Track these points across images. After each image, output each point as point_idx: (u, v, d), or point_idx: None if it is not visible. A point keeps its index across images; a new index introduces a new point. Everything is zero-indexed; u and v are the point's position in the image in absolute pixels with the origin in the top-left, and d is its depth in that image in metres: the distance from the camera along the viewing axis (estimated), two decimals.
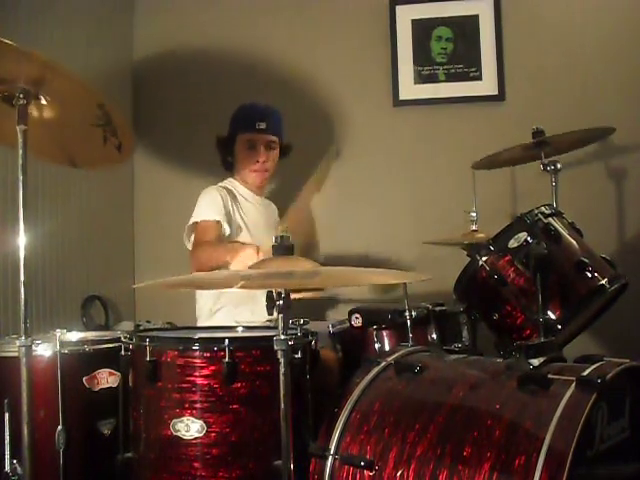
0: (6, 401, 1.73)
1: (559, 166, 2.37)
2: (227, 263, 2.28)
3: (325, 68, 3.24)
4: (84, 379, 1.80)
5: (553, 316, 1.93)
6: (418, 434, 1.37)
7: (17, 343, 1.54)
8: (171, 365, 1.60)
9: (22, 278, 1.55)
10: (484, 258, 2.02)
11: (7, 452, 1.73)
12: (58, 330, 1.77)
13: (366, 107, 3.23)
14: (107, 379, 1.84)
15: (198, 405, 1.57)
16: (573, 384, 1.30)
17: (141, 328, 2.16)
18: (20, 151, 1.55)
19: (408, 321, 1.93)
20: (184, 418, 1.57)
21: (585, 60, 3.10)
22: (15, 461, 1.71)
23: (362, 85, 3.24)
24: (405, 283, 1.90)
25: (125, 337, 1.73)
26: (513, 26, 3.15)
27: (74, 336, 1.96)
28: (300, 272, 1.45)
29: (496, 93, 3.15)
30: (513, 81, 3.14)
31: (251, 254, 2.23)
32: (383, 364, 1.58)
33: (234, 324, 2.20)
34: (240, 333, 1.94)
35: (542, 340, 1.82)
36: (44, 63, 1.50)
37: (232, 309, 2.52)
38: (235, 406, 1.57)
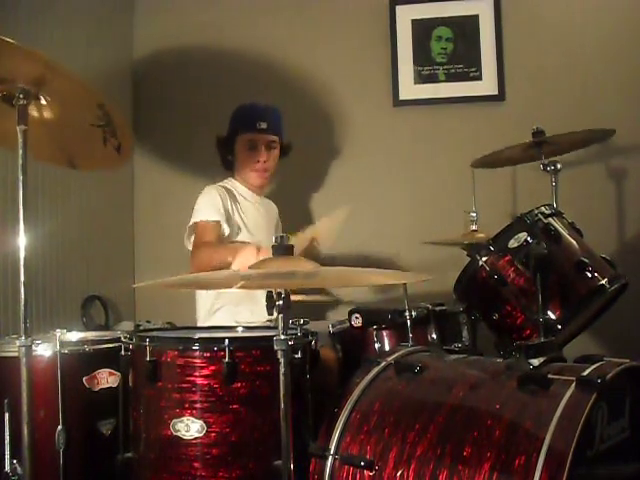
0: (6, 401, 1.73)
1: (559, 166, 2.37)
2: (228, 263, 2.27)
3: (325, 68, 3.24)
4: (84, 379, 1.80)
5: (553, 316, 1.93)
6: (418, 434, 1.37)
7: (17, 343, 1.54)
8: (171, 365, 1.60)
9: (22, 278, 1.55)
10: (484, 258, 2.02)
11: (7, 452, 1.73)
12: (58, 330, 1.77)
13: (366, 107, 3.23)
14: (107, 379, 1.84)
15: (198, 405, 1.57)
16: (573, 384, 1.30)
17: (141, 328, 2.16)
18: (20, 151, 1.55)
19: (408, 321, 1.93)
20: (184, 418, 1.57)
21: (585, 60, 3.10)
22: (15, 461, 1.71)
23: (362, 85, 3.24)
24: (405, 283, 1.90)
25: (125, 337, 1.73)
26: (513, 26, 3.15)
27: (74, 336, 1.96)
28: (300, 272, 1.45)
29: (496, 93, 3.15)
30: (513, 81, 3.14)
31: (252, 253, 2.22)
32: (383, 364, 1.58)
33: (234, 324, 2.20)
34: (240, 333, 1.94)
35: (542, 340, 1.82)
36: (46, 62, 1.50)
37: (232, 308, 2.51)
38: (235, 406, 1.57)
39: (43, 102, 1.63)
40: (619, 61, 3.06)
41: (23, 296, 1.55)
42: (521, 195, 3.03)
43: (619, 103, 3.01)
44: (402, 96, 3.21)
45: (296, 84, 3.24)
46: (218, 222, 2.50)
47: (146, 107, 3.36)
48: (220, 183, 2.67)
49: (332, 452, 1.44)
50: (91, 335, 2.05)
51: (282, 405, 1.39)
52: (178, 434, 1.57)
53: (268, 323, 2.17)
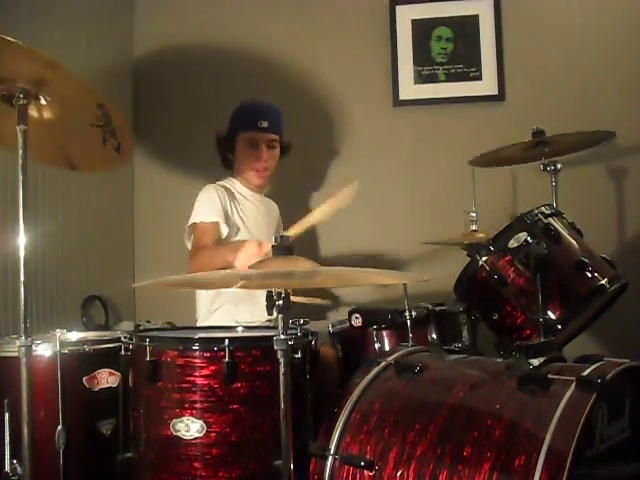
0: (6, 401, 1.73)
1: (559, 166, 2.37)
2: (230, 263, 2.26)
3: (325, 68, 3.24)
4: (84, 379, 1.80)
5: (553, 316, 1.93)
6: (418, 434, 1.37)
7: (17, 343, 1.54)
8: (171, 365, 1.60)
9: (22, 278, 1.55)
10: (484, 258, 2.02)
11: (7, 452, 1.73)
12: (58, 330, 1.77)
13: (366, 107, 3.23)
14: (107, 379, 1.84)
15: (198, 405, 1.57)
16: (573, 384, 1.30)
17: (141, 328, 2.16)
18: (20, 151, 1.55)
19: (408, 321, 1.93)
20: (184, 418, 1.57)
21: (585, 60, 3.10)
22: (15, 461, 1.71)
23: (362, 85, 3.24)
24: (405, 283, 1.90)
25: (125, 337, 1.73)
26: (513, 26, 3.15)
27: (74, 336, 1.97)
28: (300, 272, 1.45)
29: (496, 93, 3.15)
30: (513, 81, 3.14)
31: (253, 248, 2.20)
32: (383, 364, 1.58)
33: (234, 324, 2.20)
34: (240, 333, 1.94)
35: (542, 340, 1.82)
36: (46, 62, 1.50)
37: (232, 307, 2.51)
38: (235, 406, 1.57)
39: (43, 102, 1.63)
40: (619, 61, 3.06)
41: (23, 296, 1.55)
42: (521, 195, 3.03)
43: (619, 103, 3.01)
44: (402, 96, 3.21)
45: (296, 84, 3.24)
46: (216, 223, 2.49)
47: (146, 107, 3.36)
48: (219, 182, 2.66)
49: (332, 452, 1.44)
50: (91, 335, 2.06)
51: (282, 405, 1.39)
52: (178, 434, 1.57)
53: (268, 323, 2.17)
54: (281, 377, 1.38)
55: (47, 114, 1.67)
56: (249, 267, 1.50)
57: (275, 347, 1.39)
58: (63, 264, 2.72)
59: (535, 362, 1.45)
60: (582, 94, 3.06)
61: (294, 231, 2.15)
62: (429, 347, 1.82)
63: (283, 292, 1.39)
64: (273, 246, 1.47)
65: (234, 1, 3.33)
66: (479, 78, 3.17)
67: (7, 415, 1.73)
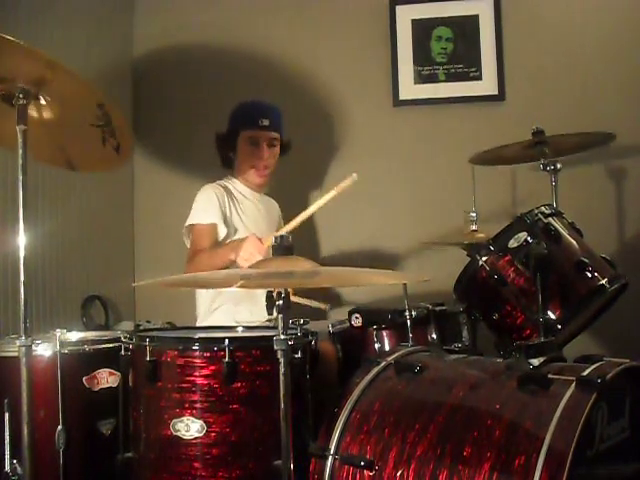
0: (6, 401, 1.73)
1: (559, 166, 2.37)
2: (231, 262, 2.25)
3: (325, 68, 3.24)
4: (84, 379, 1.80)
5: (553, 316, 1.93)
6: (418, 434, 1.37)
7: (17, 343, 1.55)
8: (171, 365, 1.60)
9: (22, 278, 1.55)
10: (484, 258, 2.02)
11: (7, 452, 1.73)
12: (58, 330, 1.77)
13: (366, 107, 3.23)
14: (107, 379, 1.84)
15: (198, 405, 1.57)
16: (573, 384, 1.30)
17: (141, 328, 2.15)
18: (20, 151, 1.55)
19: (408, 321, 1.93)
20: (184, 418, 1.57)
21: (585, 60, 3.10)
22: (15, 461, 1.71)
23: (362, 85, 3.24)
24: (405, 283, 1.90)
25: (125, 337, 1.73)
26: (513, 26, 3.14)
27: (74, 336, 1.97)
28: (300, 272, 1.45)
29: (496, 93, 3.15)
30: (513, 81, 3.14)
31: (255, 242, 2.19)
32: (383, 364, 1.58)
33: (234, 324, 2.19)
34: (240, 333, 1.94)
35: (542, 340, 1.82)
36: (46, 61, 1.50)
37: (231, 307, 2.51)
38: (235, 406, 1.57)
39: (43, 102, 1.63)
40: (619, 61, 3.06)
41: (23, 296, 1.55)
42: (521, 195, 3.03)
43: (619, 103, 3.01)
44: (402, 96, 3.21)
45: (296, 84, 3.24)
46: (214, 225, 2.48)
47: (146, 107, 3.36)
48: (219, 181, 2.65)
49: (332, 452, 1.44)
50: (91, 335, 2.06)
51: (282, 405, 1.39)
52: (178, 434, 1.57)
53: (268, 323, 2.17)
54: (281, 377, 1.38)
55: (47, 114, 1.67)
56: (249, 267, 1.50)
57: (275, 347, 1.39)
58: (63, 264, 2.72)
59: (535, 362, 1.45)
60: (582, 94, 3.06)
61: (290, 227, 2.16)
62: (429, 347, 1.82)
63: (283, 292, 1.39)
64: (273, 246, 1.47)
65: (234, 1, 3.33)
66: (479, 78, 3.17)
67: (7, 415, 1.73)
